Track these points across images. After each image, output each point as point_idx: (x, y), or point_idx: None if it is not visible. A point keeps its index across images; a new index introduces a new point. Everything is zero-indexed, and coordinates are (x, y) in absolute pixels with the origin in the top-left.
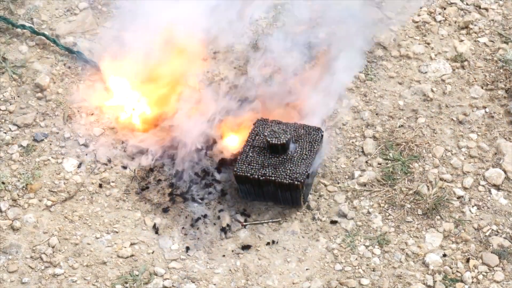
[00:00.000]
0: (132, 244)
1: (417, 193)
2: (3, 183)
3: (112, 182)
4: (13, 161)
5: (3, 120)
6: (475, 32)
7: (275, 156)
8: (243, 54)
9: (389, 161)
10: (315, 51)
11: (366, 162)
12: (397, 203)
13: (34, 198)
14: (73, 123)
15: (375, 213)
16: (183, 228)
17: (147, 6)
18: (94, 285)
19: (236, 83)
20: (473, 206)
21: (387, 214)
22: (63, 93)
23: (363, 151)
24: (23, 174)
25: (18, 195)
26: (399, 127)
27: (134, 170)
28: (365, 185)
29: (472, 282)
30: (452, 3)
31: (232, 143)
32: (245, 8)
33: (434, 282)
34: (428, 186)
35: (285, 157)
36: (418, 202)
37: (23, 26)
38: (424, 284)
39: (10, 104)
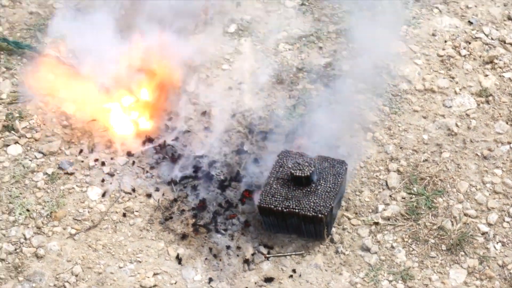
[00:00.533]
0: (155, 274)
1: (441, 228)
2: (27, 210)
3: (136, 211)
4: (38, 188)
5: (28, 148)
6: (500, 67)
7: (299, 188)
8: (268, 86)
9: (413, 196)
10: (339, 83)
11: (390, 196)
12: (421, 238)
13: (58, 226)
14: (98, 151)
15: (399, 248)
16: (206, 259)
17: None
18: None
19: (260, 115)
20: (497, 243)
21: (411, 249)
22: (87, 120)
23: (387, 185)
24: (47, 202)
25: (43, 223)
26: (424, 161)
27: (158, 200)
28: (389, 219)
29: None
30: (477, 38)
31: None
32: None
33: None
34: (452, 222)
35: (309, 189)
36: (442, 237)
37: (50, 55)
38: None
39: (36, 132)
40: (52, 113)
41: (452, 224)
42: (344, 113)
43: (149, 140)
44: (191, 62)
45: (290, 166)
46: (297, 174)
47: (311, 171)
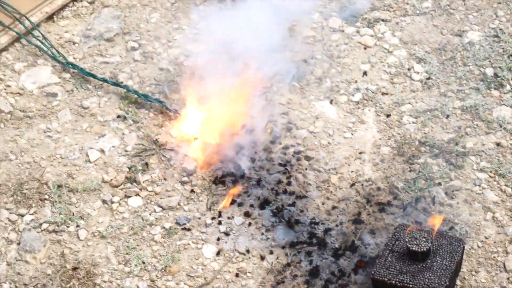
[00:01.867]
0: None
1: None
2: (143, 262)
3: (249, 272)
4: (155, 242)
5: (149, 201)
6: None
7: (414, 263)
8: (389, 157)
9: None
10: (461, 160)
11: (508, 279)
12: None
13: (171, 281)
14: (215, 209)
15: None
16: None
17: None
18: None
19: (379, 185)
20: None
21: None
22: (207, 178)
23: (504, 268)
24: (163, 256)
25: (157, 276)
26: None
27: (272, 263)
28: None
29: None
30: None
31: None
32: None
33: None
34: None
35: (424, 265)
36: None
37: (175, 111)
38: None
39: (157, 186)
40: (173, 169)
41: None
42: (464, 191)
43: (266, 202)
44: (314, 129)
45: (406, 240)
46: (414, 248)
47: (427, 247)
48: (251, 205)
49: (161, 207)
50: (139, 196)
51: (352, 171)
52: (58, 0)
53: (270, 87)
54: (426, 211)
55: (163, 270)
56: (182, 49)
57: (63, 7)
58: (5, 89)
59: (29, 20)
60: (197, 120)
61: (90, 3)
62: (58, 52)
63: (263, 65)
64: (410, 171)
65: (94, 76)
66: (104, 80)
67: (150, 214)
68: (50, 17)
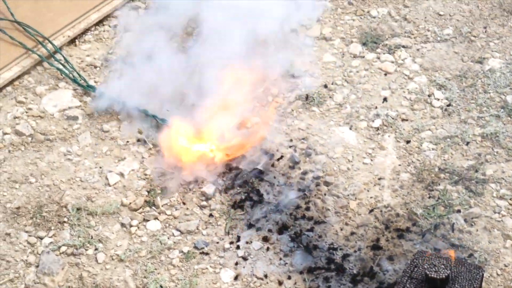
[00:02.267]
0: None
1: None
2: (161, 286)
3: None
4: (173, 266)
5: (167, 225)
6: None
7: None
8: (408, 183)
9: None
10: (481, 187)
11: None
12: None
13: None
14: (233, 234)
15: None
16: None
17: None
18: None
19: (398, 212)
20: None
21: None
22: (225, 203)
23: None
24: (181, 280)
25: None
26: None
27: None
28: None
29: None
30: None
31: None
32: None
33: None
34: None
35: None
36: None
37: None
38: None
39: (176, 210)
40: (192, 193)
41: None
42: (484, 218)
43: (285, 227)
44: (333, 154)
45: (425, 266)
46: (432, 275)
47: (446, 274)
48: (270, 230)
49: (180, 231)
50: (158, 219)
51: (371, 197)
52: (81, 24)
53: (290, 112)
54: (445, 238)
55: None
56: None
57: (85, 31)
58: (26, 112)
59: (51, 44)
60: (214, 142)
61: (112, 27)
62: (79, 75)
63: (283, 90)
64: (429, 197)
65: (113, 99)
66: (124, 104)
67: (168, 238)
68: (72, 41)
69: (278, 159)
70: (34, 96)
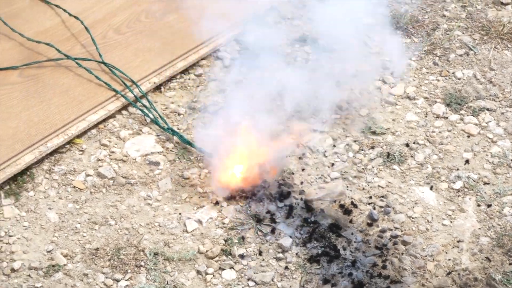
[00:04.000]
0: None
1: None
2: None
3: None
4: None
5: (242, 275)
6: None
7: None
8: (487, 248)
9: None
10: None
11: None
12: None
13: None
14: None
15: None
16: None
17: None
18: None
19: (476, 276)
20: None
21: None
22: (302, 256)
23: None
24: None
25: None
26: None
27: None
28: None
29: None
30: None
31: None
32: None
33: None
34: None
35: None
36: None
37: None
38: None
39: (252, 260)
40: (269, 244)
41: None
42: None
43: (361, 285)
44: (412, 214)
45: None
46: None
47: None
48: (345, 287)
49: (255, 281)
50: (233, 269)
51: (449, 259)
52: (167, 72)
53: (371, 168)
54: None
55: None
56: None
57: (170, 79)
58: (109, 155)
59: (138, 88)
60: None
61: (197, 76)
62: (162, 118)
63: (364, 146)
64: (509, 264)
65: (191, 145)
66: (201, 151)
67: None
68: (157, 88)
69: (355, 215)
70: (117, 140)
